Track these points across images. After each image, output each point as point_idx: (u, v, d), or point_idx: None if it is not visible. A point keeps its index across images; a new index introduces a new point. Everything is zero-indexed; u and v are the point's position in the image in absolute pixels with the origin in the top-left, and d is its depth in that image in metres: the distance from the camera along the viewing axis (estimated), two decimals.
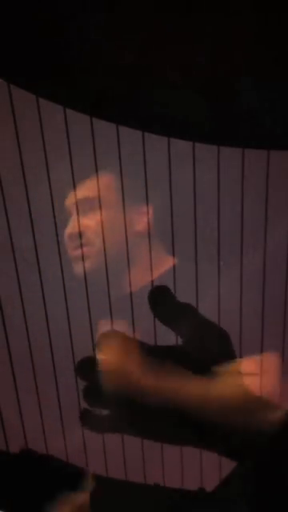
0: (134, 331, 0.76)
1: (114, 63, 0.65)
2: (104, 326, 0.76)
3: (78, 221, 1.00)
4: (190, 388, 0.69)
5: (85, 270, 0.87)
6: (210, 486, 0.73)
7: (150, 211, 1.02)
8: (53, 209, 0.74)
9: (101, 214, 0.96)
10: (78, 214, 0.99)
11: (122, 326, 0.76)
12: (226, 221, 0.74)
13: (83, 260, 0.96)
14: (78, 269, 0.93)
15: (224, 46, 0.64)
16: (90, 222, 1.01)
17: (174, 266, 0.79)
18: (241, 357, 0.75)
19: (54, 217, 0.73)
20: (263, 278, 0.75)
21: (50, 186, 0.72)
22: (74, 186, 0.72)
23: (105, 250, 0.80)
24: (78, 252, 0.97)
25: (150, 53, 0.65)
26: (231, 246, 0.76)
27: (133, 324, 0.76)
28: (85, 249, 1.01)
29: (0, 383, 0.76)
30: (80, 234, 0.99)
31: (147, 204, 0.81)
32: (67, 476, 0.76)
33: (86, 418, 0.71)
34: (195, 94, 0.66)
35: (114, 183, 0.94)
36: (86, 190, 0.97)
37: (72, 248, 1.00)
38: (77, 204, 0.97)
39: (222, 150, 0.69)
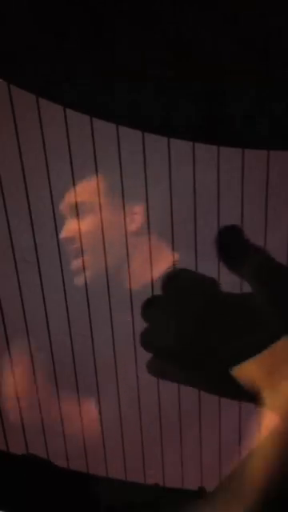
0: (133, 328, 0.76)
1: (114, 64, 0.65)
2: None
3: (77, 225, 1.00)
4: None
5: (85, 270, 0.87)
6: (209, 486, 0.73)
7: (144, 211, 1.02)
8: (53, 209, 0.74)
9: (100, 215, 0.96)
10: (72, 217, 0.99)
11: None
12: (226, 221, 0.74)
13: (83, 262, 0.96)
14: (78, 270, 0.93)
15: (223, 47, 0.64)
16: (87, 225, 1.01)
17: (174, 266, 0.79)
18: None
19: (54, 217, 0.74)
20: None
21: (49, 185, 0.72)
22: (74, 186, 0.72)
23: (104, 250, 0.80)
24: (77, 255, 0.98)
25: (150, 54, 0.65)
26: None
27: (132, 321, 0.75)
28: (84, 250, 1.01)
29: (0, 383, 0.76)
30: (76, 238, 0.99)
31: (147, 204, 0.81)
32: (68, 479, 0.76)
33: (150, 365, 0.68)
34: (195, 95, 0.66)
35: (111, 185, 0.94)
36: (82, 194, 0.98)
37: (70, 251, 1.00)
38: (76, 208, 0.97)
39: (221, 150, 0.69)
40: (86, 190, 0.94)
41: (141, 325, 0.75)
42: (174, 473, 0.77)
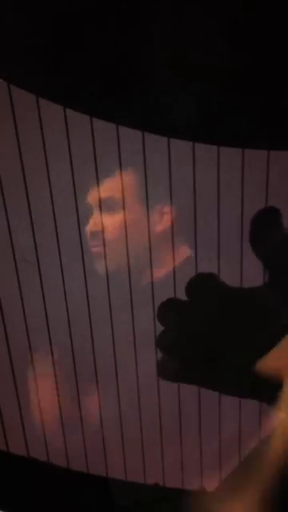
0: (133, 328, 0.76)
1: (113, 63, 0.65)
2: None
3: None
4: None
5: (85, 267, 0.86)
6: (209, 486, 0.73)
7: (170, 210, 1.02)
8: (53, 209, 0.74)
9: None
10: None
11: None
12: (226, 221, 0.74)
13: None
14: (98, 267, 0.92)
15: (224, 47, 0.64)
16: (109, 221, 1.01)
17: (173, 267, 0.79)
18: None
19: (54, 217, 0.73)
20: (263, 278, 0.75)
21: (49, 185, 0.72)
22: (74, 186, 0.72)
23: (105, 247, 0.80)
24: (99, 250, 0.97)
25: (149, 53, 0.65)
26: (231, 245, 0.76)
27: (132, 321, 0.75)
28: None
29: (0, 383, 0.76)
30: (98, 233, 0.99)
31: (147, 205, 0.81)
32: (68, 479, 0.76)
33: (161, 368, 0.68)
34: (196, 94, 0.66)
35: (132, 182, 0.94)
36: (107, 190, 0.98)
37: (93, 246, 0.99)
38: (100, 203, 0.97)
39: (221, 149, 0.69)
40: (112, 186, 0.94)
41: (143, 324, 0.75)
42: (174, 473, 0.77)
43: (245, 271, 0.77)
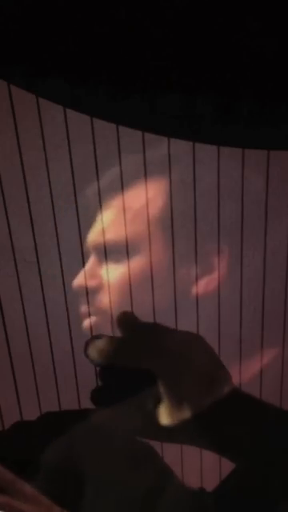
0: None
1: (114, 64, 0.65)
2: None
3: None
4: None
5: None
6: (209, 486, 0.73)
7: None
8: (53, 209, 0.74)
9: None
10: None
11: None
12: (226, 221, 0.74)
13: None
14: None
15: (225, 47, 0.64)
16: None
17: (173, 267, 0.79)
18: (240, 356, 0.75)
19: (54, 217, 0.74)
20: (263, 277, 0.75)
21: (49, 185, 0.72)
22: (74, 186, 0.72)
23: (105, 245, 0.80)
24: None
25: (150, 53, 0.65)
26: (231, 245, 0.76)
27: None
28: None
29: (0, 383, 0.76)
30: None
31: (147, 205, 0.81)
32: None
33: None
34: (196, 95, 0.67)
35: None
36: None
37: None
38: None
39: (221, 150, 0.69)
40: None
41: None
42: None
43: (245, 271, 0.77)
